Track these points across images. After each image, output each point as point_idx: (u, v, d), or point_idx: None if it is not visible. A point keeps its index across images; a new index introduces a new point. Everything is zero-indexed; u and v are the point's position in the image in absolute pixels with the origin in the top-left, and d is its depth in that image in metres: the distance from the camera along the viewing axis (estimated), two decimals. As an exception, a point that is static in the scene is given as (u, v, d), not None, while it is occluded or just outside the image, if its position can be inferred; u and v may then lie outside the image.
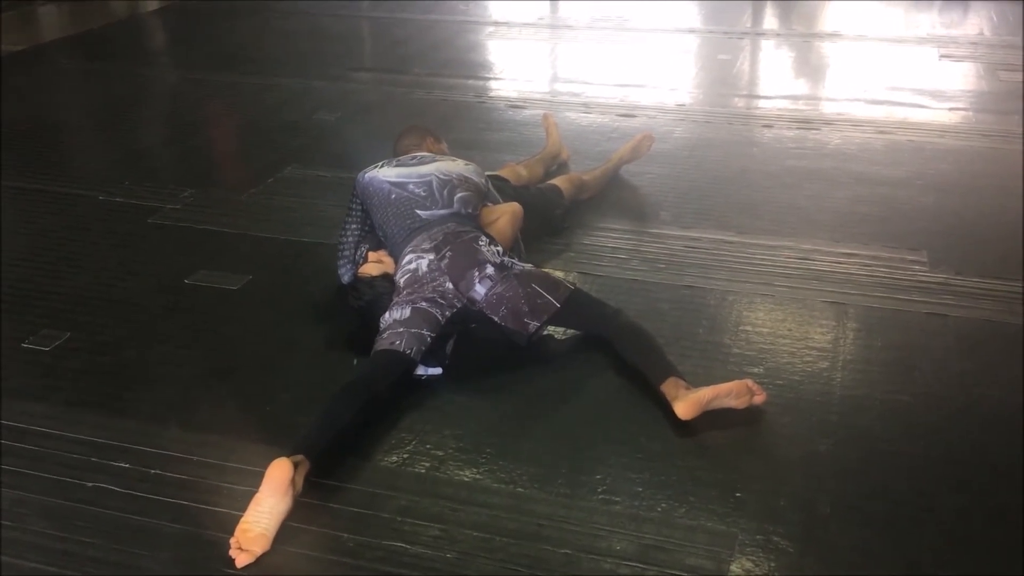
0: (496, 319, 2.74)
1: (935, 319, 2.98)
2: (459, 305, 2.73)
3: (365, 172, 3.09)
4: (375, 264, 2.99)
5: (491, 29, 6.74)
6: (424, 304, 2.71)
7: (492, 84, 5.50)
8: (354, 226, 3.05)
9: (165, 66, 6.32)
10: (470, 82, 5.46)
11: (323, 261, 3.38)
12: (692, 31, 6.54)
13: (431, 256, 2.81)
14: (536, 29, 6.76)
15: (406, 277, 2.80)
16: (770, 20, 7.12)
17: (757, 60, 6.05)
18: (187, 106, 5.29)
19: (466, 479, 2.31)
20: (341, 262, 3.04)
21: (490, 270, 2.77)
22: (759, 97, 5.23)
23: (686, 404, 2.45)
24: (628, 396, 2.63)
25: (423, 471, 2.34)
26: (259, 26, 6.97)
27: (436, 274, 2.77)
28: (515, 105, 5.06)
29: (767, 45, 6.35)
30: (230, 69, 5.79)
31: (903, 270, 3.24)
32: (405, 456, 2.39)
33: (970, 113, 4.76)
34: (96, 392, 2.67)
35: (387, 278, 2.88)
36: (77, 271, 3.35)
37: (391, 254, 2.99)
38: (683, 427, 2.47)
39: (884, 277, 3.20)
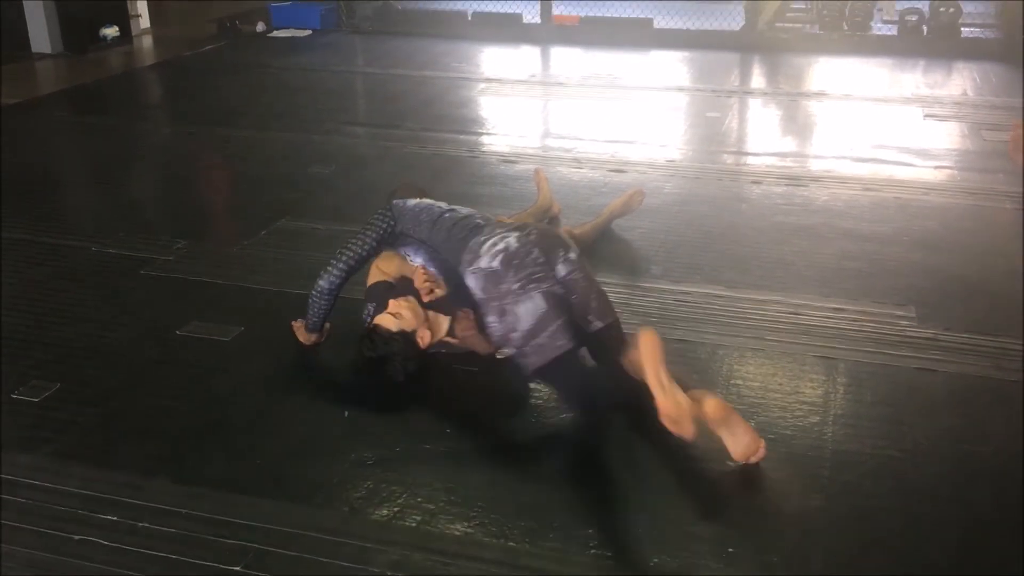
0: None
1: (924, 374, 3.00)
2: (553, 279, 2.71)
3: (403, 201, 3.12)
4: (396, 316, 2.80)
5: (483, 85, 6.84)
6: (545, 286, 2.67)
7: (484, 139, 5.57)
8: (372, 243, 3.03)
9: (160, 120, 6.38)
10: (462, 137, 5.52)
11: (315, 313, 3.40)
12: (681, 89, 6.65)
13: (516, 233, 2.79)
14: (528, 86, 6.87)
15: (499, 257, 2.71)
16: (757, 79, 7.25)
17: (745, 118, 6.15)
18: (181, 159, 5.33)
19: (457, 533, 2.30)
20: (334, 270, 2.99)
21: (572, 255, 2.80)
22: (748, 154, 5.31)
23: (716, 401, 2.44)
24: (620, 450, 2.62)
25: (414, 524, 2.32)
26: (254, 81, 7.06)
27: (529, 246, 2.74)
28: (507, 160, 5.11)
29: (755, 103, 6.45)
30: (225, 123, 5.85)
31: (892, 325, 3.26)
32: (396, 509, 2.38)
33: (955, 171, 4.83)
34: (85, 444, 2.65)
35: (406, 338, 2.78)
36: (68, 322, 3.35)
37: (443, 268, 2.95)
38: (674, 482, 2.46)
39: (873, 332, 3.22)
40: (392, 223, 3.07)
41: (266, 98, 6.59)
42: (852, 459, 2.57)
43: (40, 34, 7.66)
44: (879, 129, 5.58)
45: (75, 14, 7.69)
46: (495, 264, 2.72)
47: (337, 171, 4.94)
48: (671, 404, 2.38)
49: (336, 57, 7.80)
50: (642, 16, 8.21)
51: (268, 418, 2.78)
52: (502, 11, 8.53)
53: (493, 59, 7.77)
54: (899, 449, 2.62)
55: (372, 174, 4.94)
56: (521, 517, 2.34)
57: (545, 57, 7.89)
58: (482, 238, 2.82)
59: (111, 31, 7.96)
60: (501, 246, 2.75)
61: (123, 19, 8.14)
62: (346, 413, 2.77)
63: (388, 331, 2.79)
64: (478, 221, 2.95)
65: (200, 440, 2.68)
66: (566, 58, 7.82)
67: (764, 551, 2.23)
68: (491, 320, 2.72)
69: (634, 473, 2.52)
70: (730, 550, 2.23)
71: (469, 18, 8.55)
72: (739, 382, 2.94)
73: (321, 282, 3.03)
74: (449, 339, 2.91)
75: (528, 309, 2.64)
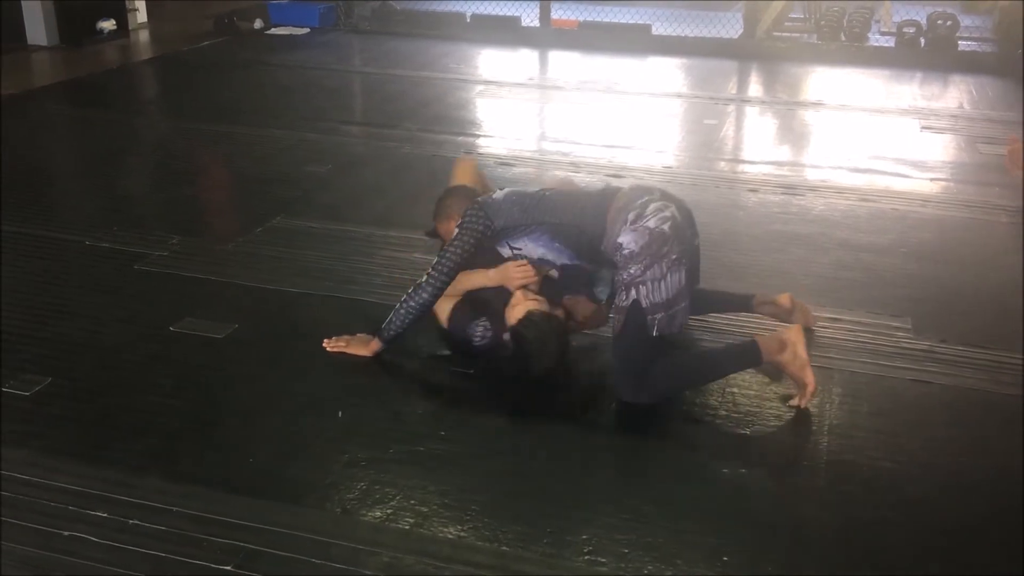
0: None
1: (920, 386, 3.00)
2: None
3: (488, 197, 3.04)
4: (531, 300, 2.88)
5: (481, 88, 6.83)
6: (688, 265, 2.83)
7: (482, 141, 5.56)
8: (470, 247, 2.91)
9: (156, 115, 6.35)
10: (460, 138, 5.51)
11: (310, 312, 3.39)
12: (679, 96, 6.65)
13: (676, 206, 2.87)
14: (526, 89, 6.86)
15: (669, 223, 2.78)
16: (755, 87, 7.27)
17: (742, 126, 6.16)
18: (177, 155, 5.31)
19: (450, 536, 2.28)
20: (436, 281, 2.89)
21: (697, 240, 2.98)
22: (744, 162, 5.31)
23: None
24: (616, 456, 2.62)
25: (407, 527, 2.31)
26: (252, 79, 7.04)
27: (687, 221, 2.89)
28: (504, 162, 5.10)
29: (752, 111, 6.46)
30: (221, 119, 5.83)
31: (887, 336, 3.26)
32: (389, 511, 2.36)
33: (951, 184, 4.85)
34: (76, 440, 2.63)
35: (558, 320, 2.91)
36: (60, 316, 3.32)
37: (557, 250, 2.92)
38: (669, 490, 2.46)
39: (869, 343, 3.22)
40: (489, 222, 2.95)
41: (263, 95, 6.57)
42: (847, 470, 2.57)
43: (36, 26, 7.62)
44: (876, 140, 5.60)
45: (72, 7, 7.65)
46: (665, 228, 2.78)
47: (333, 170, 4.92)
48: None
49: (334, 56, 7.78)
50: (641, 22, 8.22)
51: (261, 417, 2.76)
52: (501, 14, 8.53)
53: (491, 61, 7.77)
54: (894, 461, 2.62)
55: (369, 174, 4.92)
56: (515, 521, 2.33)
57: (543, 61, 7.89)
58: (646, 199, 2.85)
59: (108, 24, 7.93)
60: (668, 213, 2.81)
61: (120, 13, 8.11)
62: (340, 413, 2.76)
63: (542, 312, 2.84)
64: (609, 187, 3.05)
65: (192, 438, 2.65)
66: (564, 62, 7.82)
67: (759, 561, 2.22)
68: (637, 267, 2.78)
69: (629, 479, 2.52)
70: (724, 559, 2.22)
71: (468, 20, 8.55)
72: (735, 390, 2.94)
73: (424, 294, 2.90)
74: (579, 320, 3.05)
75: (675, 280, 2.77)
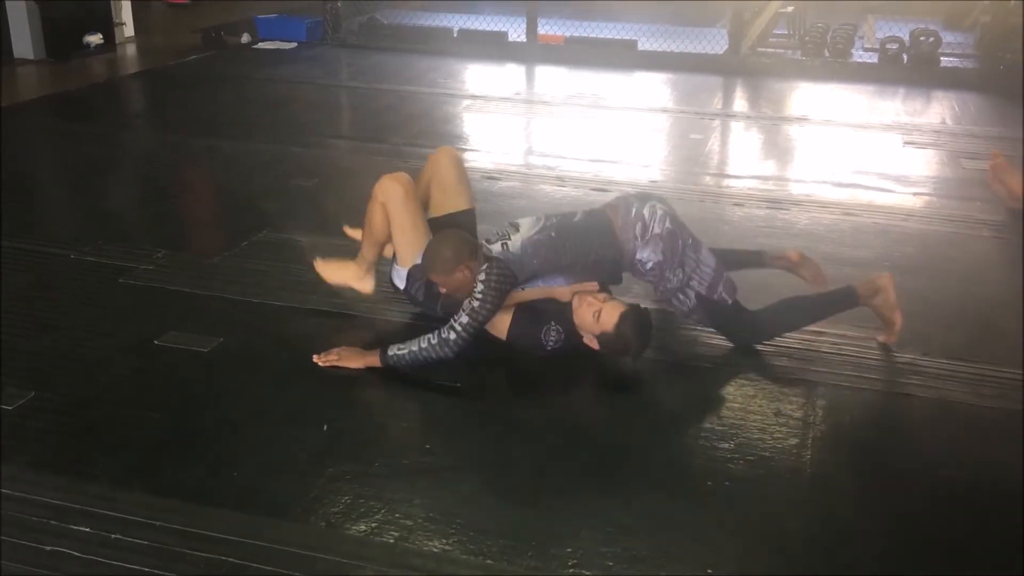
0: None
1: (902, 399, 3.02)
2: None
3: (507, 252, 3.05)
4: (603, 298, 3.05)
5: (468, 102, 6.86)
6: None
7: (468, 155, 5.57)
8: (491, 316, 3.01)
9: (142, 129, 6.34)
10: (447, 153, 5.52)
11: (295, 326, 3.38)
12: (665, 110, 6.69)
13: (655, 199, 3.20)
14: (512, 103, 6.89)
15: (668, 219, 3.12)
16: (740, 102, 7.32)
17: (727, 140, 6.20)
18: (163, 168, 5.30)
19: (435, 550, 2.28)
20: (460, 340, 2.95)
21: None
22: (729, 176, 5.34)
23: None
24: (601, 468, 2.62)
25: (392, 541, 2.30)
26: (238, 93, 7.04)
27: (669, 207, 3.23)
28: (490, 176, 5.12)
29: (737, 126, 6.51)
30: (208, 134, 5.83)
31: (871, 350, 3.28)
32: (374, 525, 2.36)
33: (934, 199, 4.89)
34: (59, 454, 2.61)
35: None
36: (45, 330, 3.31)
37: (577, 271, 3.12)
38: (653, 502, 2.47)
39: (852, 356, 3.24)
40: (514, 279, 3.03)
41: (250, 109, 6.58)
42: (830, 482, 2.58)
43: (23, 40, 7.61)
44: (859, 155, 5.64)
45: (59, 20, 7.65)
46: (668, 225, 3.10)
47: (320, 184, 4.92)
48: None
49: (321, 70, 7.80)
50: (627, 38, 8.28)
51: (245, 430, 2.76)
52: (488, 29, 8.58)
53: (478, 76, 7.80)
54: (877, 473, 2.63)
55: (355, 187, 4.91)
56: (499, 535, 2.33)
57: (530, 75, 7.92)
58: (636, 206, 3.11)
59: (95, 38, 7.93)
60: (660, 212, 3.12)
61: (107, 27, 8.11)
62: (325, 427, 2.75)
63: (630, 306, 3.02)
64: (601, 207, 3.21)
65: (176, 452, 2.64)
66: (550, 77, 7.86)
67: (743, 573, 2.23)
68: (674, 273, 3.10)
69: (614, 492, 2.52)
70: (709, 571, 2.23)
71: (455, 35, 8.59)
72: (719, 403, 2.95)
73: (448, 351, 2.95)
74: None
75: (707, 255, 3.16)
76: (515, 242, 3.08)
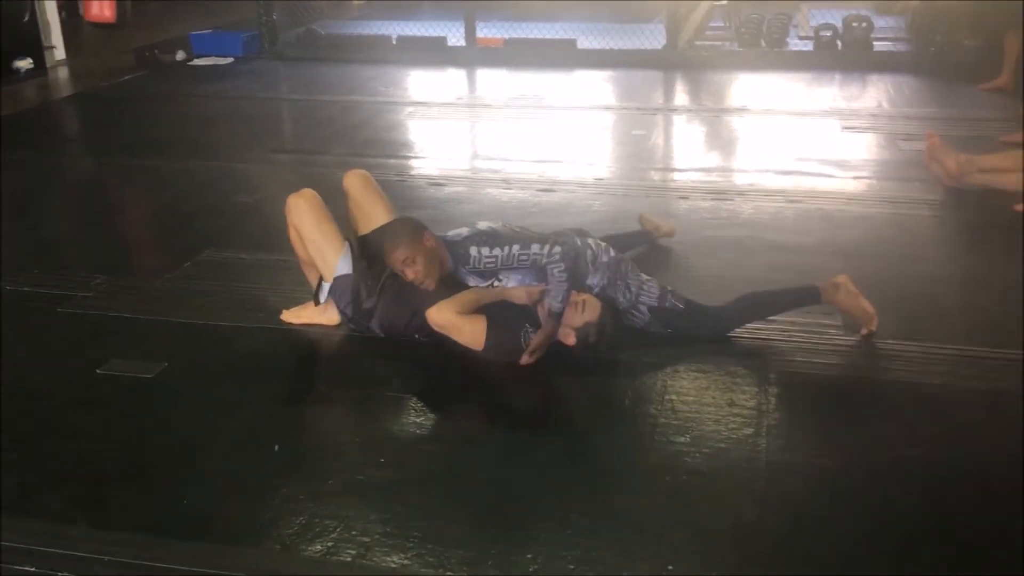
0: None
1: (852, 381, 3.04)
2: None
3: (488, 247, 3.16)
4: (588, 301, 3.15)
5: (411, 109, 6.82)
6: None
7: (413, 163, 5.54)
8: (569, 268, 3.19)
9: (77, 153, 6.20)
10: (391, 161, 5.48)
11: (241, 346, 3.32)
12: (607, 108, 6.71)
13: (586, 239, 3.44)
14: (455, 108, 6.86)
15: (611, 252, 3.37)
16: (680, 96, 7.37)
17: (670, 134, 6.23)
18: (100, 192, 5.20)
19: (394, 565, 2.25)
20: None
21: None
22: (674, 170, 5.37)
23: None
24: (558, 470, 2.61)
25: (349, 559, 2.27)
26: (176, 111, 6.92)
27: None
28: (436, 183, 5.09)
29: (679, 120, 6.55)
30: (146, 154, 5.72)
31: (820, 335, 3.31)
32: (330, 544, 2.31)
33: (874, 181, 4.95)
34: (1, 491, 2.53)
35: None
36: (-19, 365, 3.21)
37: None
38: (612, 501, 2.45)
39: (802, 342, 3.27)
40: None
41: (188, 127, 6.47)
42: (786, 470, 2.59)
43: (-53, 68, 7.41)
44: (799, 142, 5.70)
45: (-15, 46, 7.46)
46: (612, 254, 3.35)
47: (262, 199, 4.85)
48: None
49: (259, 84, 7.70)
50: (566, 37, 8.29)
51: (194, 456, 2.69)
52: (427, 35, 8.53)
53: (419, 82, 7.76)
54: (832, 457, 2.65)
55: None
56: (458, 546, 2.30)
57: (471, 79, 7.90)
58: (586, 255, 3.28)
59: (24, 63, 7.74)
60: (604, 244, 3.40)
61: (37, 50, 7.91)
62: (276, 447, 2.70)
63: (602, 304, 3.14)
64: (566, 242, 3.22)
65: (122, 483, 2.58)
66: (492, 80, 7.85)
67: (704, 568, 2.23)
68: (622, 294, 3.30)
69: (570, 495, 2.50)
70: (670, 567, 2.22)
71: (394, 42, 8.53)
72: (673, 397, 2.95)
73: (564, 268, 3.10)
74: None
75: (645, 277, 3.37)
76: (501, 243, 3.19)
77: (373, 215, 3.40)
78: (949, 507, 2.45)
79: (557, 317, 3.09)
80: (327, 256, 3.23)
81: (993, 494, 2.49)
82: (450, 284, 3.19)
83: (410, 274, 3.11)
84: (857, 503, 2.46)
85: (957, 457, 2.65)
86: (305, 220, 3.24)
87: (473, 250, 3.15)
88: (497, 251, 3.13)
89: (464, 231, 3.26)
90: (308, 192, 3.29)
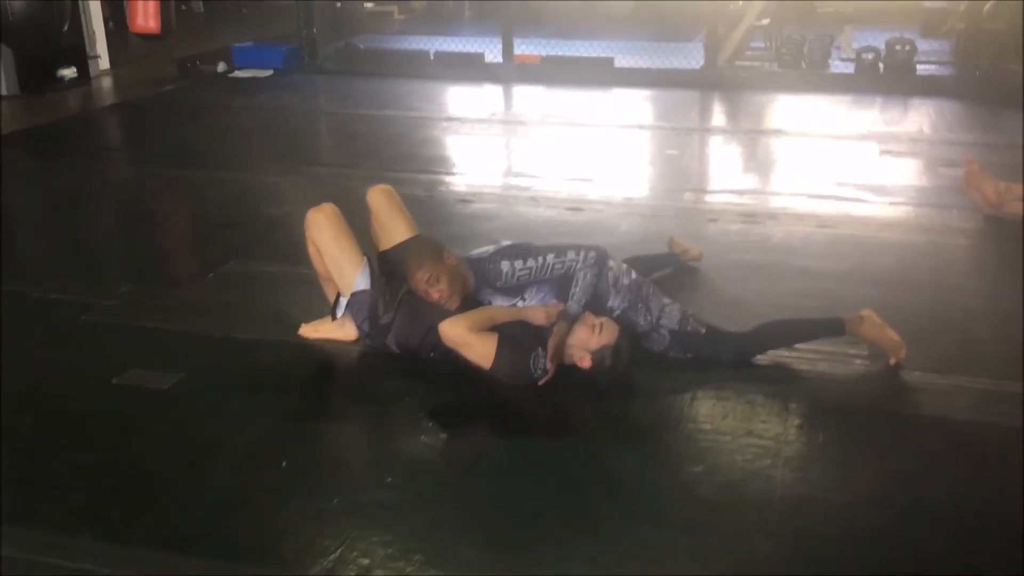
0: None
1: (876, 415, 2.96)
2: None
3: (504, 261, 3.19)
4: (600, 322, 3.09)
5: (445, 124, 6.83)
6: None
7: (443, 178, 5.53)
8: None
9: (115, 161, 6.28)
10: (421, 176, 5.48)
11: (258, 359, 3.32)
12: (641, 127, 6.66)
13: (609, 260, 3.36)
14: (489, 124, 6.86)
15: (633, 273, 3.34)
16: (717, 116, 7.29)
17: (704, 155, 6.16)
18: (133, 201, 5.25)
19: (393, 589, 2.21)
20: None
21: None
22: (705, 191, 5.30)
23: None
24: (566, 496, 2.56)
25: (348, 581, 2.24)
26: (214, 122, 7.00)
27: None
28: (464, 199, 5.07)
29: (714, 140, 6.48)
30: (182, 164, 5.78)
31: (844, 364, 3.23)
32: (330, 565, 2.28)
33: (910, 208, 4.84)
34: (5, 501, 2.53)
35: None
36: (2, 372, 3.23)
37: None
38: (620, 530, 2.40)
39: (826, 371, 3.19)
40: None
41: (225, 138, 6.53)
42: (802, 504, 2.52)
43: (-5, 76, 7.55)
44: (836, 166, 5.60)
45: (32, 55, 7.60)
46: (634, 276, 3.31)
47: (289, 212, 4.86)
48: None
49: (297, 97, 7.77)
50: (603, 55, 8.26)
51: (202, 470, 2.68)
52: (464, 51, 8.55)
53: (455, 98, 7.78)
54: (850, 493, 2.57)
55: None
56: (459, 568, 2.26)
57: (507, 96, 7.90)
58: (607, 276, 3.24)
59: (69, 72, 7.88)
60: (625, 267, 3.34)
61: (81, 60, 8.07)
62: (284, 464, 2.68)
63: (619, 327, 3.08)
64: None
65: (128, 495, 2.57)
66: (527, 97, 7.84)
67: (710, 603, 2.17)
68: (643, 316, 3.26)
69: (579, 521, 2.45)
70: (675, 602, 2.16)
71: (431, 58, 8.57)
72: (690, 425, 2.89)
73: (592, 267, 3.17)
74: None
75: (664, 299, 3.33)
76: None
77: (394, 231, 3.38)
78: (975, 550, 2.36)
79: (570, 321, 3.05)
80: (345, 271, 3.23)
81: (1022, 537, 2.39)
82: (471, 304, 3.16)
83: (435, 294, 3.10)
84: (874, 542, 2.38)
85: (984, 497, 2.56)
86: (324, 235, 3.23)
87: (505, 264, 3.14)
88: (531, 262, 3.15)
89: (490, 248, 3.25)
90: (328, 207, 3.29)
